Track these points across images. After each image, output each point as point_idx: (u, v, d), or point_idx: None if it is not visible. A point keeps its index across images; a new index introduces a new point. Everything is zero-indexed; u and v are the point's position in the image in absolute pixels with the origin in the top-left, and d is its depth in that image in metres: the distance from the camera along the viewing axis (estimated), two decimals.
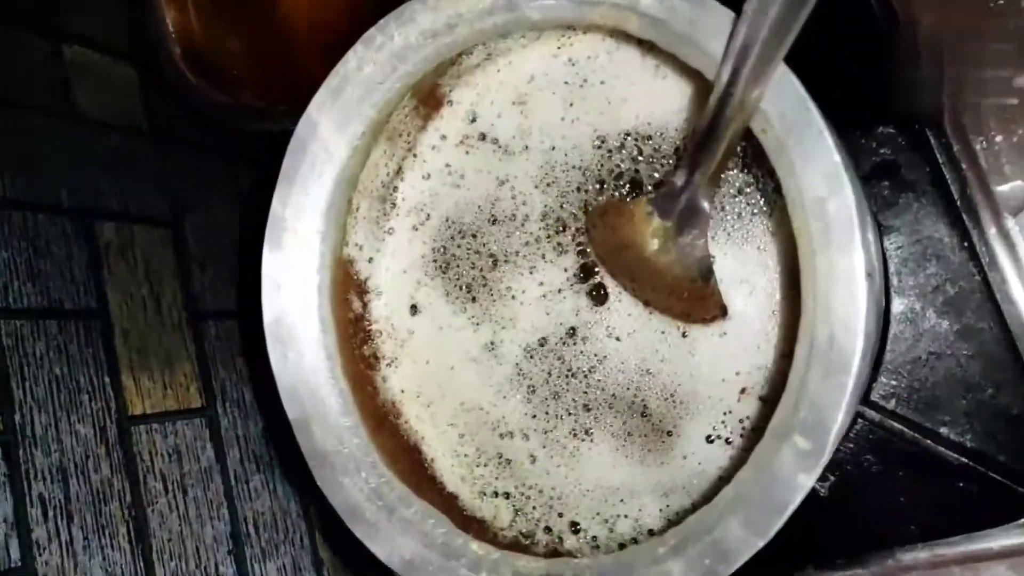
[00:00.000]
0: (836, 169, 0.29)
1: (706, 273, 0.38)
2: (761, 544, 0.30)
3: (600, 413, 0.44)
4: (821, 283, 0.30)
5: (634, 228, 0.39)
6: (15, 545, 0.44)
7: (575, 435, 0.44)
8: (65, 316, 0.52)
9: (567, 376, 0.45)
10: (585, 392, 0.44)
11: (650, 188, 0.42)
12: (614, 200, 0.42)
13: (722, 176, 0.39)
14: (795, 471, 0.29)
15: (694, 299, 0.40)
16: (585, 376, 0.44)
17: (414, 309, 0.49)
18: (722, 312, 0.40)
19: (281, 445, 0.64)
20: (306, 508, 0.64)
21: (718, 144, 0.33)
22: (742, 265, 0.41)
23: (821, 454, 0.28)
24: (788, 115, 0.30)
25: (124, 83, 0.62)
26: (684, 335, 0.41)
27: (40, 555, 0.45)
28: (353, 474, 0.40)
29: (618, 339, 0.43)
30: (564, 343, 0.45)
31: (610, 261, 0.43)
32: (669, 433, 0.42)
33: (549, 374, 0.45)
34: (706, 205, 0.36)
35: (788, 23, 0.28)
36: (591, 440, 0.43)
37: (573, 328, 0.44)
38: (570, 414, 0.44)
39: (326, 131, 0.41)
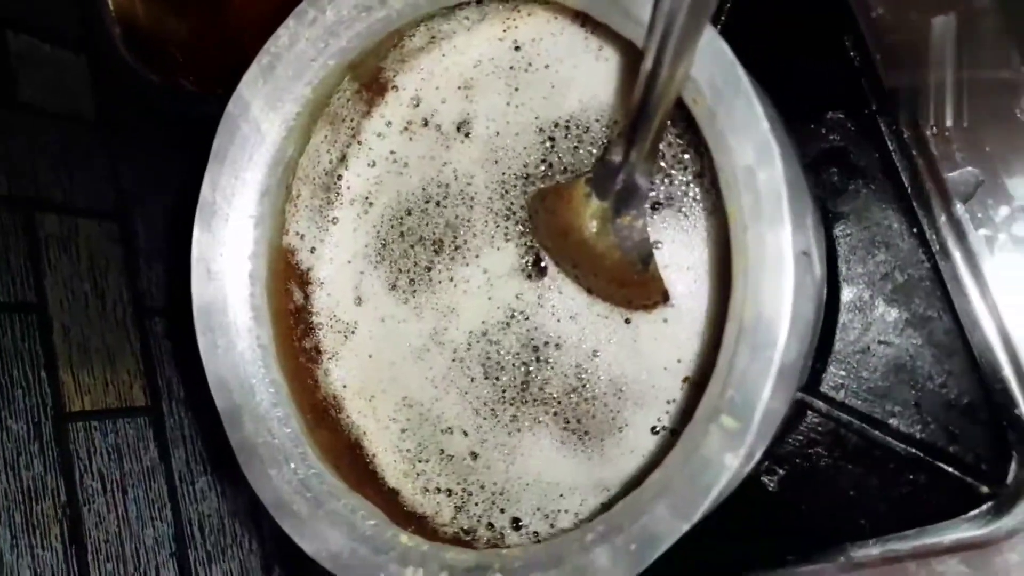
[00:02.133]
0: (765, 139, 0.28)
1: (645, 257, 0.37)
2: (686, 527, 0.29)
3: (541, 406, 0.42)
4: (751, 259, 0.28)
5: (573, 211, 0.37)
6: None
7: (516, 429, 0.43)
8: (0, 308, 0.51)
9: (507, 369, 0.43)
10: (525, 385, 0.43)
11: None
12: (554, 183, 0.41)
13: (658, 153, 0.38)
14: (722, 452, 0.28)
15: (635, 284, 0.38)
16: (525, 368, 0.43)
17: (358, 301, 0.47)
18: (663, 298, 0.39)
19: (231, 446, 0.62)
20: (256, 510, 0.63)
21: (652, 117, 0.32)
22: (689, 251, 0.40)
23: (747, 433, 0.27)
24: (718, 83, 0.29)
25: (73, 74, 0.61)
26: (627, 321, 0.40)
27: None
28: (282, 465, 0.39)
29: (559, 321, 0.42)
30: (504, 333, 0.44)
31: (553, 247, 0.42)
32: (612, 424, 0.41)
33: (486, 366, 0.43)
34: (643, 183, 0.35)
35: None
36: (532, 433, 0.42)
37: (514, 316, 0.43)
38: (509, 406, 0.43)
39: (258, 110, 0.39)
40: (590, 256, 0.38)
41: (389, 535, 0.36)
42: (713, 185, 0.39)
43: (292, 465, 0.39)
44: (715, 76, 0.30)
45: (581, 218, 0.37)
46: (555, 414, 0.42)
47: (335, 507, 0.37)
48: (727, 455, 0.28)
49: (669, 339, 0.39)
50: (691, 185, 0.40)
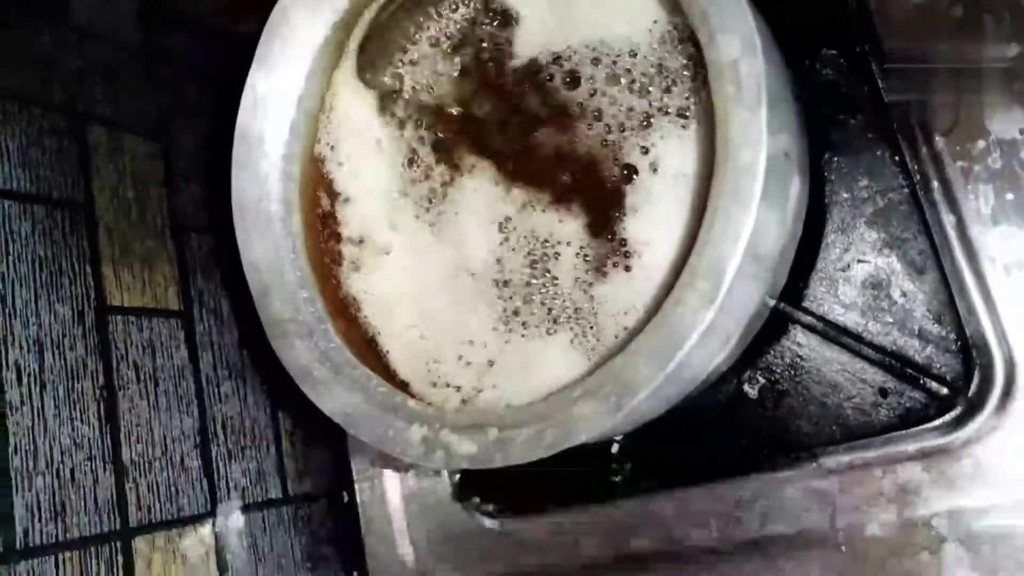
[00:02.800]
0: (750, 32, 0.32)
1: None
2: (661, 377, 0.32)
3: (558, 318, 0.45)
4: (731, 140, 0.32)
5: None
6: None
7: (534, 335, 0.45)
8: (52, 204, 0.55)
9: (527, 286, 0.46)
10: (545, 298, 0.45)
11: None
12: None
13: None
14: (695, 310, 0.31)
15: None
16: (530, 281, 0.46)
17: (382, 214, 0.51)
18: None
19: (255, 357, 0.66)
20: (275, 420, 0.67)
21: None
22: (685, 156, 0.43)
23: (718, 291, 0.31)
24: None
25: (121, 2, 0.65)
26: (622, 242, 0.43)
27: (12, 415, 0.48)
28: (306, 338, 0.43)
29: (566, 239, 0.45)
30: (529, 253, 0.46)
31: None
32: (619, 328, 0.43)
33: (507, 283, 0.46)
34: None
35: None
36: (542, 342, 0.44)
37: (541, 240, 0.46)
38: (531, 316, 0.45)
39: (297, 17, 0.43)
40: None
41: (398, 399, 0.40)
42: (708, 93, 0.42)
43: (315, 339, 0.43)
44: None
45: None
46: (560, 321, 0.45)
47: (351, 374, 0.41)
48: (700, 311, 0.31)
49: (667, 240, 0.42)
50: (689, 98, 0.43)
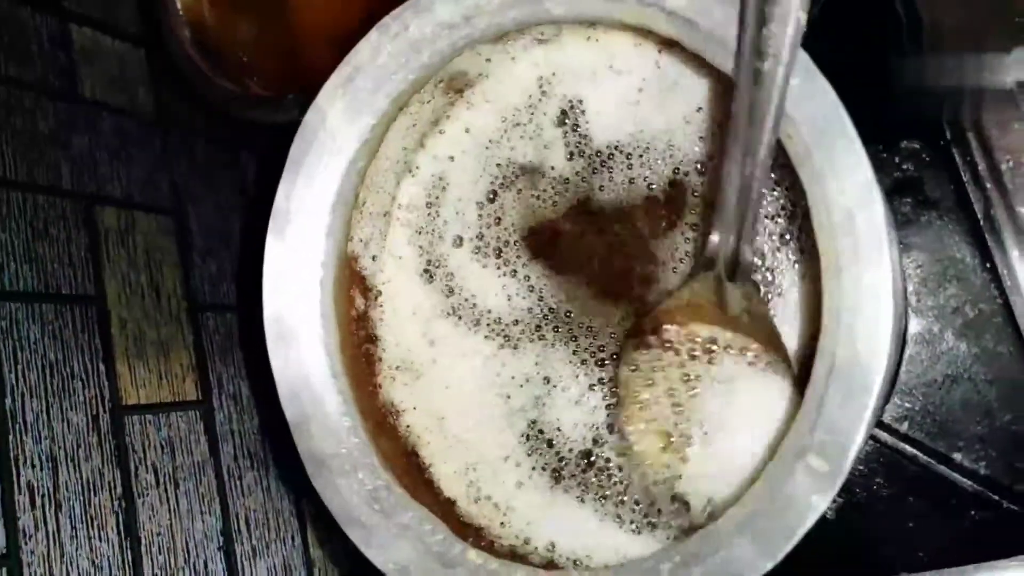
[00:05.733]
0: (868, 181, 0.28)
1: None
2: (770, 566, 0.29)
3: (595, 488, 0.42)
4: (847, 301, 0.28)
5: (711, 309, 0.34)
6: (0, 533, 0.43)
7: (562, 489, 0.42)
8: (61, 300, 0.51)
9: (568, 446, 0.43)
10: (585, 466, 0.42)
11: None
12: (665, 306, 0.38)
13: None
14: (809, 493, 0.28)
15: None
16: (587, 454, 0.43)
17: (415, 313, 0.47)
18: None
19: (276, 442, 0.63)
20: (299, 507, 0.63)
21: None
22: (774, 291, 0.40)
23: (838, 476, 0.27)
24: (818, 121, 0.29)
25: (132, 68, 0.61)
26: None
27: (26, 544, 0.44)
28: (350, 475, 0.39)
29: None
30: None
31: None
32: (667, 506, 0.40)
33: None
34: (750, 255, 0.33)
35: None
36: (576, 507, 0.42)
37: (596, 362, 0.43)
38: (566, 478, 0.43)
39: (335, 121, 0.39)
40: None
41: (457, 550, 0.37)
42: (794, 221, 0.39)
43: (360, 475, 0.39)
44: (816, 115, 0.29)
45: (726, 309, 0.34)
46: (609, 498, 0.41)
47: (403, 519, 0.38)
48: (814, 496, 0.28)
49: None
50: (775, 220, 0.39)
